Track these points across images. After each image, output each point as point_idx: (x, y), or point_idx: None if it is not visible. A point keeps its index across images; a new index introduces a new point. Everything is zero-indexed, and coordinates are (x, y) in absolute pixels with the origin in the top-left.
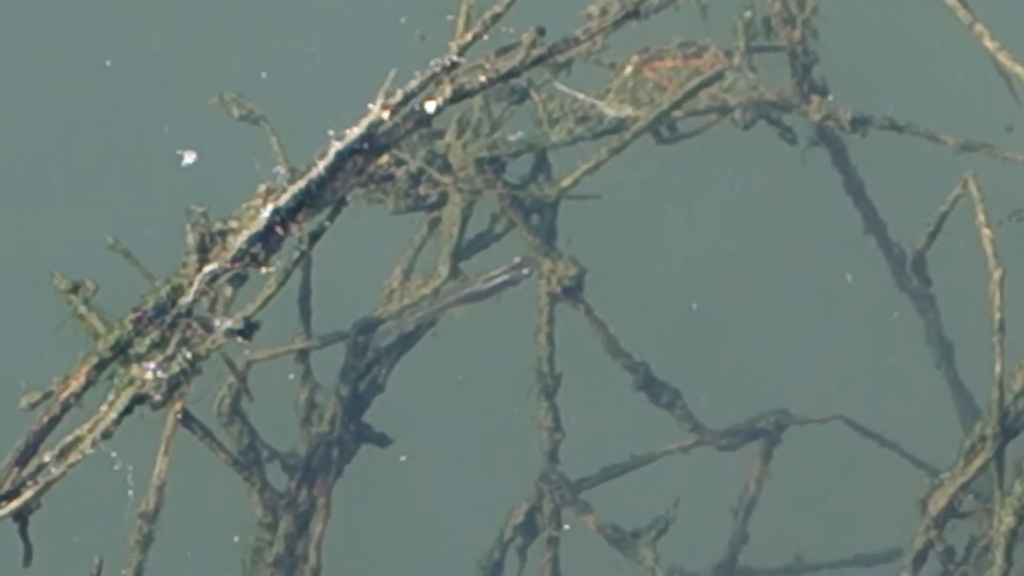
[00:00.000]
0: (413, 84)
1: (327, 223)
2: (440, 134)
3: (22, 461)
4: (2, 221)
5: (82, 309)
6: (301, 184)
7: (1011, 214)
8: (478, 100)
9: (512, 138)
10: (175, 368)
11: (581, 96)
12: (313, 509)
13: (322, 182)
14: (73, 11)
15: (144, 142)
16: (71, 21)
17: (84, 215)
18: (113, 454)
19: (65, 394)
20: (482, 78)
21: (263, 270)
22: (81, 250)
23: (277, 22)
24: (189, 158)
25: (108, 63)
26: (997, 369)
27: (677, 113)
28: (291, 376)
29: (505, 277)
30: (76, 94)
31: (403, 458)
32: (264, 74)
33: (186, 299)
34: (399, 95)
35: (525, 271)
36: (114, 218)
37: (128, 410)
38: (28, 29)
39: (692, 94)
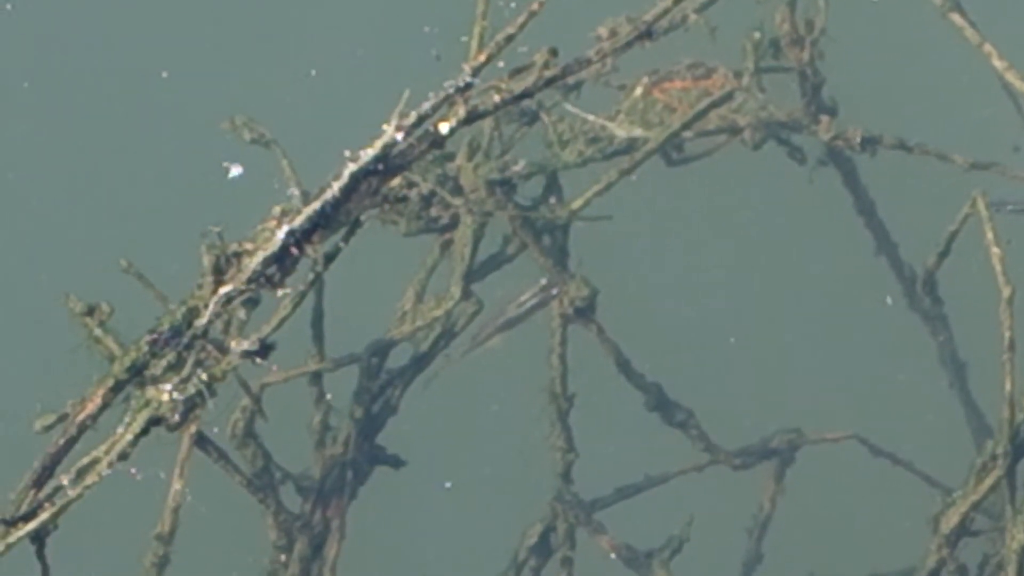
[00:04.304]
0: (427, 105)
1: (342, 244)
2: (451, 156)
3: (39, 483)
4: (22, 241)
5: (98, 332)
6: (316, 205)
7: (993, 203)
8: (489, 122)
9: (516, 168)
10: (191, 390)
11: (591, 118)
12: (327, 531)
13: (337, 203)
14: (101, 39)
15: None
16: (100, 51)
17: (104, 236)
18: (132, 470)
19: (81, 416)
20: (496, 98)
21: (278, 292)
22: (109, 271)
23: (291, 41)
24: (235, 171)
25: (165, 73)
26: (1007, 388)
27: (687, 134)
28: (330, 397)
29: (535, 300)
30: (112, 113)
31: (448, 484)
32: (314, 71)
33: (202, 321)
34: (413, 116)
35: (554, 291)
36: (138, 237)
37: (144, 432)
38: (58, 56)
39: (702, 115)
